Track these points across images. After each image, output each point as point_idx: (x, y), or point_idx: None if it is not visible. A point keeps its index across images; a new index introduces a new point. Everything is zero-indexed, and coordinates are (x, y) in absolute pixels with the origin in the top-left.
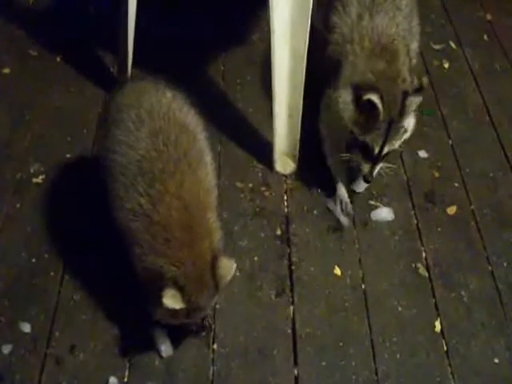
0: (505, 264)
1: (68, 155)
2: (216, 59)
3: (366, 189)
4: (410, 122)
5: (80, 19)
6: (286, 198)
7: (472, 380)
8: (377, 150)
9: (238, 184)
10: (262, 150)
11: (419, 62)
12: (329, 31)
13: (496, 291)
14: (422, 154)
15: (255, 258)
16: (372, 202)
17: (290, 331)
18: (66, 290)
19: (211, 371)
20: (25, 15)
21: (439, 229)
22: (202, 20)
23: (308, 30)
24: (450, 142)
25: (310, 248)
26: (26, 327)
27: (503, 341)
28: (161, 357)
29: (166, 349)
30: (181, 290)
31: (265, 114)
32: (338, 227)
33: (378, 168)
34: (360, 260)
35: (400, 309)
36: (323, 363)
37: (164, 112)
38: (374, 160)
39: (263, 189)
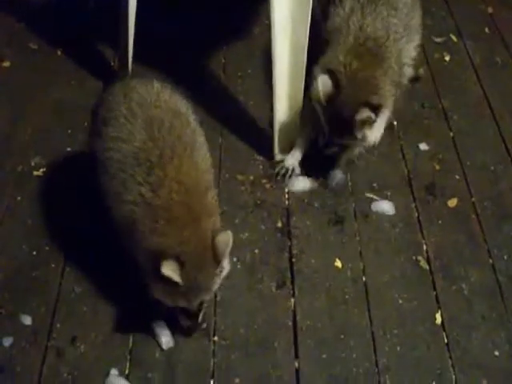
0: (505, 257)
1: (68, 148)
2: (217, 52)
3: (366, 181)
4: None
5: (80, 13)
6: (286, 190)
7: (472, 372)
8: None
9: (239, 176)
10: (263, 143)
11: (420, 54)
12: (324, 19)
13: (496, 284)
14: (423, 146)
15: (256, 251)
16: (372, 195)
17: (290, 323)
18: (67, 282)
19: (212, 363)
20: (25, 8)
21: (440, 221)
22: (202, 14)
23: (308, 23)
24: (451, 134)
25: (311, 240)
26: (27, 319)
27: (504, 333)
28: (161, 349)
29: (166, 341)
30: (181, 264)
31: (265, 107)
32: (338, 220)
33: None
34: (361, 252)
35: (401, 301)
36: (324, 355)
37: (154, 100)
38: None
39: (264, 181)
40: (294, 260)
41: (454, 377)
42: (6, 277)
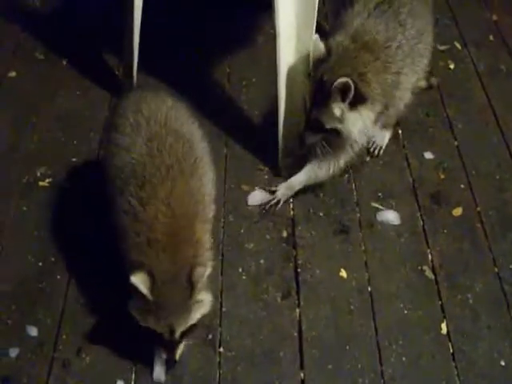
0: (511, 266)
1: (74, 158)
2: (221, 62)
3: (371, 191)
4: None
5: (86, 22)
6: (291, 200)
7: (478, 382)
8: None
9: (244, 186)
10: (268, 153)
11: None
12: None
13: (502, 293)
14: (428, 155)
15: (261, 261)
16: (377, 204)
17: (296, 334)
18: (73, 293)
19: (218, 374)
20: (31, 18)
21: (445, 230)
22: (206, 23)
23: (313, 31)
24: (456, 143)
25: (316, 250)
26: (33, 330)
27: (509, 343)
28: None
29: (158, 373)
30: (152, 278)
31: (270, 116)
32: (343, 229)
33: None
34: (366, 262)
35: (406, 311)
36: (329, 366)
37: (161, 119)
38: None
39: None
40: (299, 270)
41: None
42: (12, 288)
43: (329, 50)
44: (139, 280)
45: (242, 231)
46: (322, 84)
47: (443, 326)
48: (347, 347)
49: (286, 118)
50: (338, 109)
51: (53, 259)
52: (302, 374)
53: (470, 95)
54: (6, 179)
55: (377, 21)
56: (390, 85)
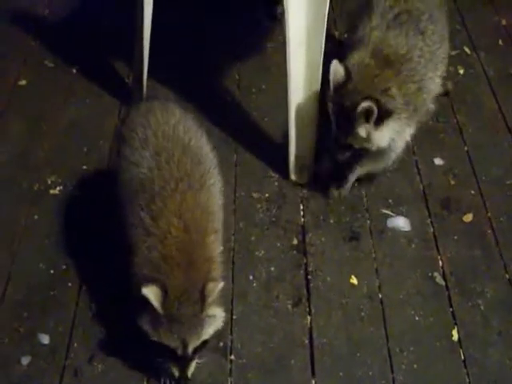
0: None
1: (84, 166)
2: (231, 68)
3: (381, 197)
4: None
5: (95, 31)
6: (301, 207)
7: None
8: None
9: (254, 194)
10: (278, 160)
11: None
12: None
13: None
14: (438, 161)
15: (272, 268)
16: (388, 211)
17: (307, 341)
18: (84, 301)
19: (228, 382)
20: (41, 27)
21: (455, 237)
22: (216, 30)
23: (323, 39)
24: (466, 148)
25: (327, 257)
26: (45, 338)
27: None
28: None
29: None
30: (164, 292)
31: (280, 123)
32: (354, 236)
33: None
34: (376, 269)
35: (417, 318)
36: (340, 373)
37: (169, 132)
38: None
39: (279, 199)
40: (309, 277)
41: None
42: (23, 295)
43: (348, 72)
44: (151, 292)
45: (253, 239)
46: (344, 109)
47: (454, 332)
48: (358, 354)
49: (297, 125)
50: (363, 131)
51: (64, 267)
52: (313, 382)
53: (479, 100)
54: (16, 187)
55: (396, 32)
56: (414, 92)
